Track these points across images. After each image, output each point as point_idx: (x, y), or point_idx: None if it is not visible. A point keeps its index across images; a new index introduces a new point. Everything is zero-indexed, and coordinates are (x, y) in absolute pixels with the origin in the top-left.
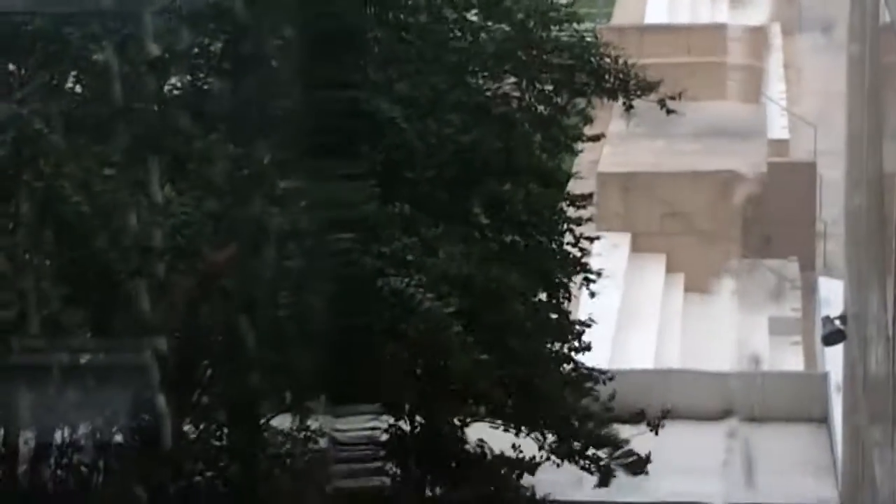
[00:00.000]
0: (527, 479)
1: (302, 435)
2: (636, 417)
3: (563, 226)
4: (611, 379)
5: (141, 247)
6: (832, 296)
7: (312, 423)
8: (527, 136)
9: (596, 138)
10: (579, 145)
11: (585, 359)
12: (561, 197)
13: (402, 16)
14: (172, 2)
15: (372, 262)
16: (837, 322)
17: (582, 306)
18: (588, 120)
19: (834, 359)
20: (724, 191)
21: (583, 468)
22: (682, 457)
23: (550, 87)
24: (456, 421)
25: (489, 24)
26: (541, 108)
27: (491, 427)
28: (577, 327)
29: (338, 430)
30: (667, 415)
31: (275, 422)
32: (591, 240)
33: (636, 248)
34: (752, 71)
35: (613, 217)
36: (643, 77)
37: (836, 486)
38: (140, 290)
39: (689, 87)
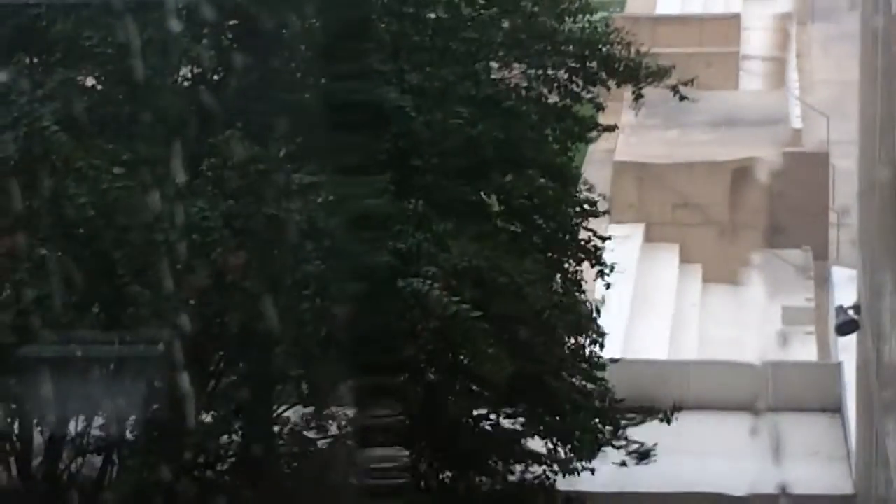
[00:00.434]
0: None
1: (317, 427)
2: (649, 409)
3: (573, 220)
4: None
5: (148, 245)
6: (846, 285)
7: (329, 416)
8: (535, 129)
9: (610, 128)
10: (593, 134)
11: (599, 349)
12: (570, 192)
13: (413, 7)
14: None
15: (388, 259)
16: (851, 312)
17: (596, 296)
18: (600, 108)
19: (847, 348)
20: (736, 181)
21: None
22: (697, 446)
23: (565, 76)
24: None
25: (500, 15)
26: (553, 97)
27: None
28: (591, 318)
29: (352, 422)
30: (680, 408)
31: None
32: (603, 238)
33: (649, 238)
34: (766, 61)
35: (627, 207)
36: (654, 64)
37: (850, 474)
38: (146, 287)
39: (703, 76)
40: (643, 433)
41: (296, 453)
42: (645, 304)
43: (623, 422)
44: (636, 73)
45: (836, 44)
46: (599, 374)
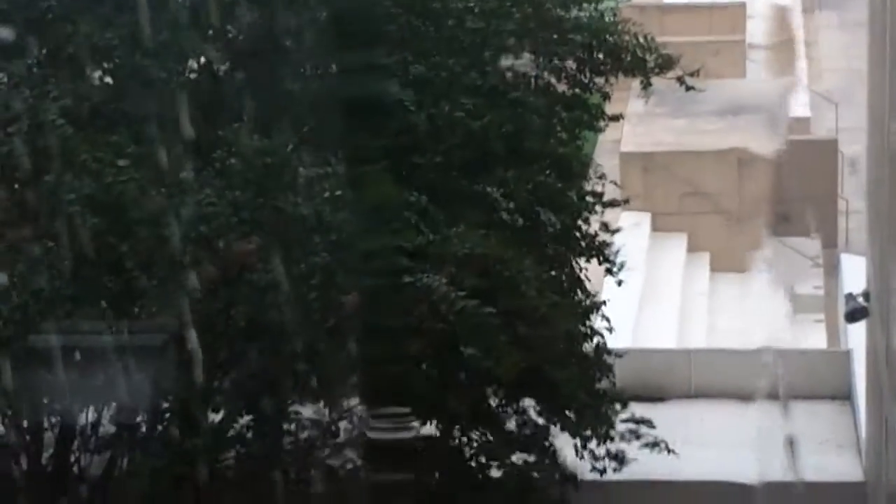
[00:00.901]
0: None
1: (327, 422)
2: (656, 397)
3: (580, 214)
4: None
5: (155, 237)
6: (855, 273)
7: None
8: (542, 119)
9: (615, 118)
10: (601, 124)
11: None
12: (576, 185)
13: None
14: None
15: (394, 252)
16: (860, 299)
17: (605, 286)
18: (607, 97)
19: (857, 336)
20: (744, 169)
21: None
22: (705, 435)
23: (573, 66)
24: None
25: (507, 3)
26: (561, 87)
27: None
28: (594, 308)
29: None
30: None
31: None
32: (612, 232)
33: (656, 227)
34: (773, 49)
35: (634, 197)
36: (662, 54)
37: (860, 462)
38: (153, 280)
39: (711, 65)
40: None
41: (304, 448)
42: (653, 294)
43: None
44: (643, 64)
45: (844, 31)
46: (602, 369)
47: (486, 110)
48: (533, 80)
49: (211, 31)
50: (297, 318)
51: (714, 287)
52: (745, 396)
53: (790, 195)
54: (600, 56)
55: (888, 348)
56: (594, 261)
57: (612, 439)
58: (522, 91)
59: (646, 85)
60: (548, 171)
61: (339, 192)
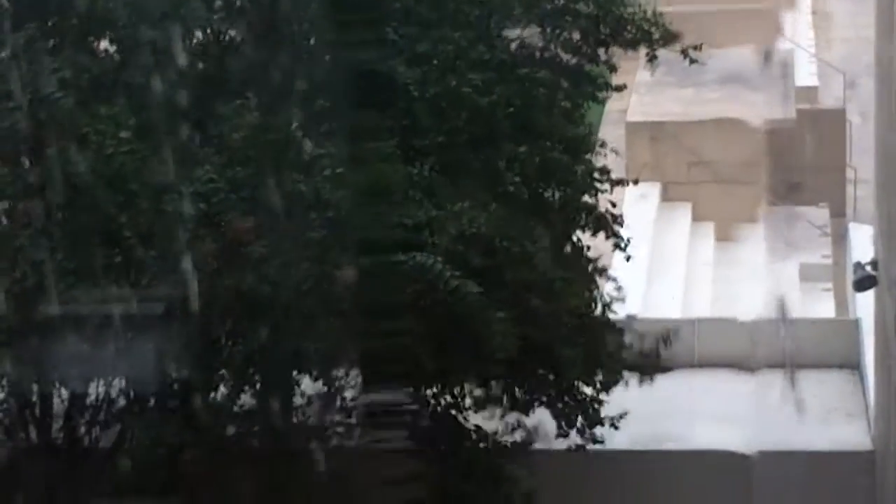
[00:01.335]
0: None
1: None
2: (662, 366)
3: (586, 190)
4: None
5: (154, 210)
6: (863, 242)
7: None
8: (548, 92)
9: (619, 88)
10: (604, 94)
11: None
12: (581, 161)
13: None
14: None
15: (394, 230)
16: (868, 268)
17: (613, 259)
18: (613, 69)
19: (865, 305)
20: (752, 138)
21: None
22: (713, 405)
23: (578, 37)
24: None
25: None
26: (567, 57)
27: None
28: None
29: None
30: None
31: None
32: (615, 214)
33: (665, 197)
34: (782, 17)
35: (641, 167)
36: (667, 27)
37: (868, 431)
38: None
39: (718, 34)
40: (654, 392)
41: (307, 423)
42: (661, 264)
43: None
44: (648, 37)
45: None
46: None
47: (494, 85)
48: (539, 52)
49: (219, 1)
50: (291, 293)
51: (721, 256)
52: (750, 366)
53: (798, 164)
54: (606, 28)
55: None
56: (601, 235)
57: (601, 424)
58: (530, 65)
59: (651, 57)
60: (555, 147)
61: (339, 170)
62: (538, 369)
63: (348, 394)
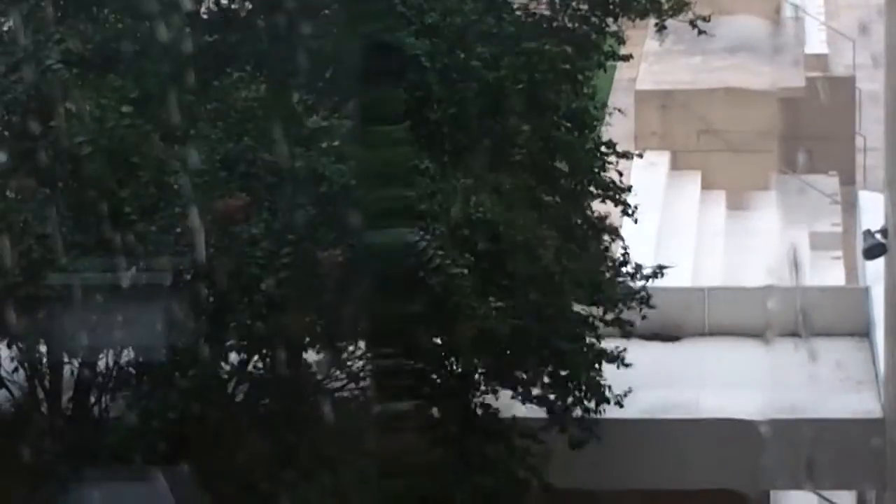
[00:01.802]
0: None
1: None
2: (673, 335)
3: (592, 162)
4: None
5: (154, 184)
6: (873, 210)
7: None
8: (556, 69)
9: (626, 58)
10: (614, 62)
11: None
12: (590, 134)
13: None
14: None
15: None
16: (878, 236)
17: (622, 228)
18: (622, 41)
19: (875, 273)
20: (761, 106)
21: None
22: (723, 373)
23: (587, 7)
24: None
25: None
26: (575, 26)
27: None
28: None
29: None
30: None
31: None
32: (623, 190)
33: (675, 165)
34: None
35: (650, 136)
36: None
37: (878, 398)
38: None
39: (727, 1)
40: (667, 360)
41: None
42: (671, 232)
43: None
44: (658, 7)
45: None
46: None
47: (501, 58)
48: (547, 22)
49: None
50: (277, 271)
51: (730, 224)
52: (760, 334)
53: (808, 132)
54: None
55: None
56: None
57: (607, 402)
58: (537, 36)
59: (660, 27)
60: (561, 122)
61: (336, 143)
62: (534, 360)
63: (353, 363)
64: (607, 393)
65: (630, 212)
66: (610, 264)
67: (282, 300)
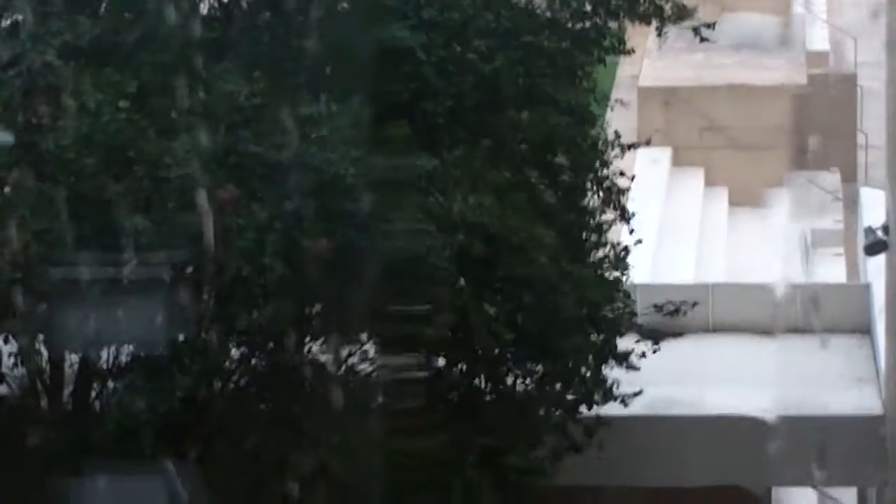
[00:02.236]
0: None
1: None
2: (675, 332)
3: (592, 157)
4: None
5: (148, 178)
6: (874, 206)
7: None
8: (554, 63)
9: (627, 52)
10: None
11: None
12: (590, 128)
13: None
14: None
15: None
16: (879, 232)
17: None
18: (622, 41)
19: (876, 269)
20: (764, 103)
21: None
22: (725, 369)
23: (589, 8)
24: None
25: None
26: (576, 24)
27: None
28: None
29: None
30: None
31: None
32: (623, 192)
33: (677, 162)
34: None
35: (653, 132)
36: (678, 3)
37: (879, 395)
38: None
39: None
40: (669, 357)
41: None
42: (673, 229)
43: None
44: (660, 12)
45: None
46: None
47: (499, 52)
48: (547, 19)
49: None
50: (264, 263)
51: (733, 221)
52: (763, 330)
53: (809, 129)
54: (619, 0)
55: None
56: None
57: (613, 400)
58: (536, 32)
59: (661, 32)
60: (560, 114)
61: (324, 133)
62: (535, 359)
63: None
64: (615, 391)
65: (628, 217)
66: (607, 264)
67: (277, 289)
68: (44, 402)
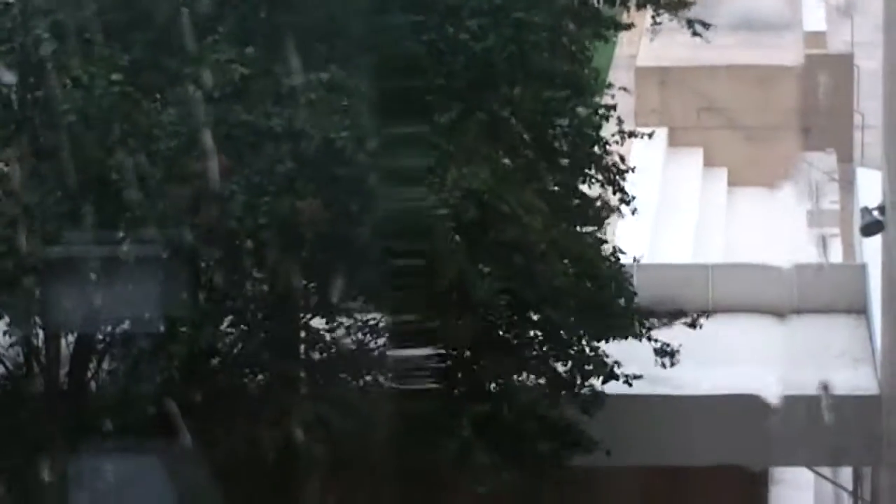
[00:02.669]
0: None
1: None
2: (676, 312)
3: (590, 131)
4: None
5: (141, 150)
6: (870, 187)
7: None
8: (548, 38)
9: (627, 27)
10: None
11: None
12: (585, 101)
13: None
14: None
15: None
16: (876, 212)
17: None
18: (618, 25)
19: (872, 249)
20: (761, 83)
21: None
22: (723, 350)
23: None
24: None
25: None
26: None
27: None
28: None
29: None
30: (706, 312)
31: None
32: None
33: (673, 142)
34: None
35: (650, 112)
36: None
37: (875, 375)
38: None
39: None
40: (668, 337)
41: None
42: (670, 209)
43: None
44: (657, 1)
45: None
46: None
47: (489, 30)
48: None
49: None
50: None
51: (730, 201)
52: (761, 310)
53: (806, 109)
54: None
55: None
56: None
57: (615, 379)
58: (527, 9)
59: (655, 21)
60: (555, 87)
61: (313, 97)
62: (528, 330)
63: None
64: (616, 370)
65: (628, 200)
66: (602, 243)
67: (272, 253)
68: (39, 382)
